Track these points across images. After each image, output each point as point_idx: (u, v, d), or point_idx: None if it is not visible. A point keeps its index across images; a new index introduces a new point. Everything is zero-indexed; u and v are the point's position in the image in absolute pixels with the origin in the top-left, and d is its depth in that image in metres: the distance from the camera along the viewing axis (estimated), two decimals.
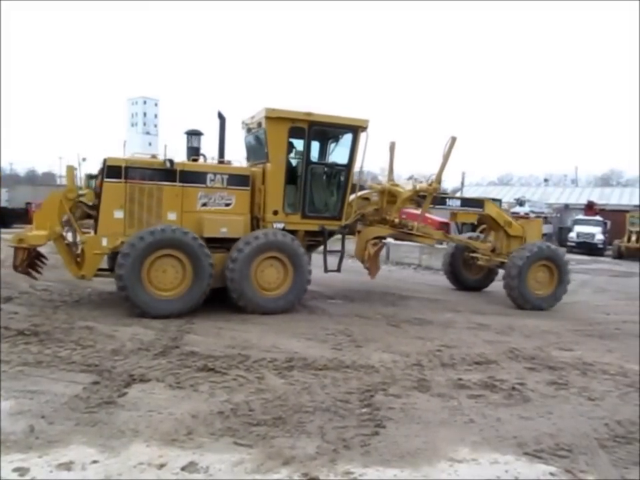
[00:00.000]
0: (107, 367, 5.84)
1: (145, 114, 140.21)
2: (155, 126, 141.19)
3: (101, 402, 4.87)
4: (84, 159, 11.52)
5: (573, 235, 33.64)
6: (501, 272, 12.31)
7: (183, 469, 3.77)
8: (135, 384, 5.42)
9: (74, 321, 7.92)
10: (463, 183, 49.16)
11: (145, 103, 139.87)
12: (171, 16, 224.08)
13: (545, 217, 24.43)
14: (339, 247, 10.89)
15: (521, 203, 33.51)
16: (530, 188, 62.11)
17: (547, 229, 27.99)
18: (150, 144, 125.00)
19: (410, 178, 12.74)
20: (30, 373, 5.60)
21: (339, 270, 10.67)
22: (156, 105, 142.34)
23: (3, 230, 29.16)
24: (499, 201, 24.31)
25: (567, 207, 43.42)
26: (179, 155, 9.59)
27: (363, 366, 6.43)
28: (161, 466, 3.78)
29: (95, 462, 3.78)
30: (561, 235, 36.24)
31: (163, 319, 8.29)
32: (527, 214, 24.97)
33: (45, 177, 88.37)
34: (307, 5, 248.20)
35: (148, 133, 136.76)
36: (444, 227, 14.81)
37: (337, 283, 10.32)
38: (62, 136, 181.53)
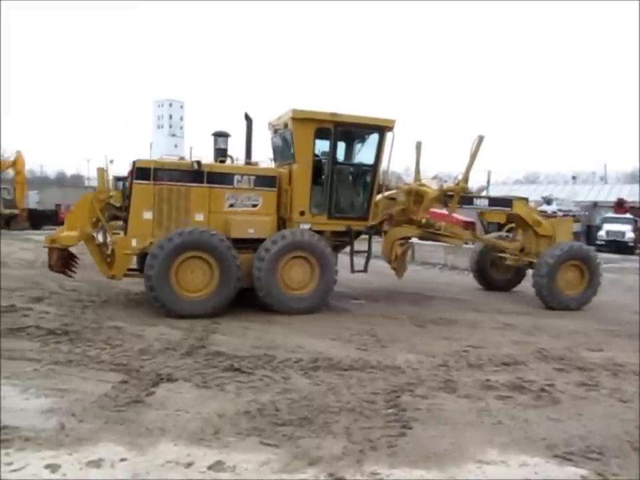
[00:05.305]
0: (134, 367, 5.92)
1: (170, 116, 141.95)
2: (181, 128, 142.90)
3: (129, 401, 4.93)
4: (111, 161, 11.73)
5: (602, 233, 32.92)
6: (529, 272, 12.15)
7: (209, 467, 3.79)
8: (163, 383, 5.47)
9: (102, 320, 8.05)
10: (488, 182, 48.65)
11: (170, 105, 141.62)
12: (196, 18, 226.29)
13: (574, 215, 24.00)
14: (363, 247, 10.83)
15: (548, 201, 32.96)
16: (557, 186, 61.15)
17: (575, 227, 27.49)
18: (176, 146, 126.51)
19: (434, 177, 12.64)
20: (60, 372, 5.70)
21: (365, 270, 10.63)
22: (181, 107, 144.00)
23: (35, 232, 29.87)
24: (526, 199, 23.94)
25: (595, 204, 42.63)
26: (206, 157, 9.66)
27: (388, 366, 6.40)
28: (188, 465, 3.81)
29: (123, 460, 3.83)
30: (589, 233, 35.47)
31: (189, 319, 8.36)
32: (554, 212, 24.58)
33: (73, 179, 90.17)
34: (333, 5, 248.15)
35: (174, 135, 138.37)
36: (469, 226, 14.62)
37: (361, 283, 10.30)
38: (90, 138, 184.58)
